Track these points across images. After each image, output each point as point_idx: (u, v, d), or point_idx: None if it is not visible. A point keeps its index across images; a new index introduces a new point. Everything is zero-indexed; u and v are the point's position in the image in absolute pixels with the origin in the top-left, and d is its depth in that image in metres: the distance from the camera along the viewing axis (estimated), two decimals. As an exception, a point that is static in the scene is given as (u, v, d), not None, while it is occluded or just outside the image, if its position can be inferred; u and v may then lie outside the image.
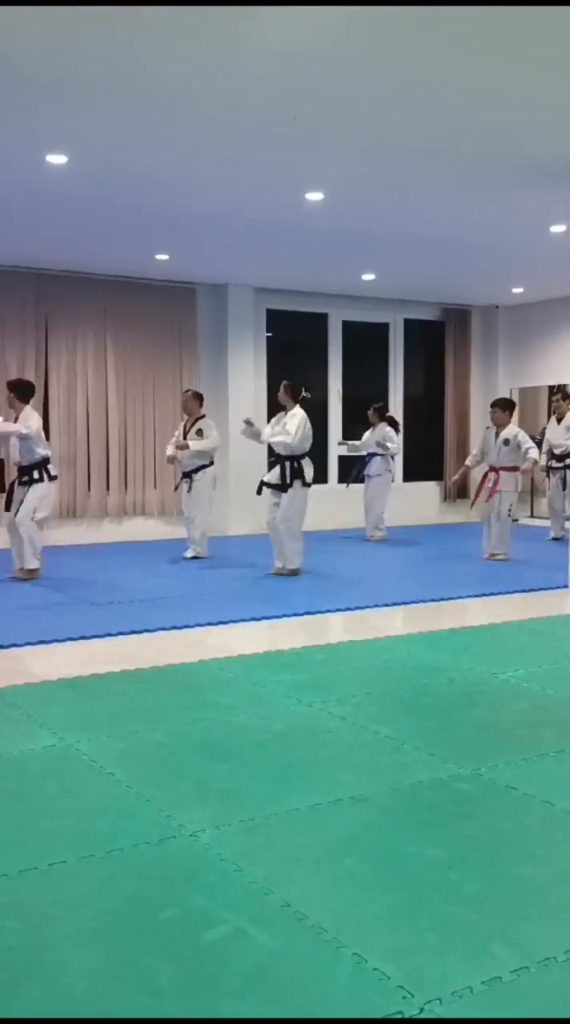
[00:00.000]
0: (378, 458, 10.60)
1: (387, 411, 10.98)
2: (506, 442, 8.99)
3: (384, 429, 10.62)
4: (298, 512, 8.03)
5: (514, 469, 8.95)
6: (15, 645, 5.56)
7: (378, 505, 10.64)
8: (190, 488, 9.09)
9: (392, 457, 10.73)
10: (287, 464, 8.05)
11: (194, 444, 8.94)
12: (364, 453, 10.71)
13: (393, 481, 11.06)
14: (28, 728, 4.01)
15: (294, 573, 8.09)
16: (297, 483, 8.01)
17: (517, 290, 12.12)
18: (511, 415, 9.25)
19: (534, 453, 8.98)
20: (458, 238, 9.09)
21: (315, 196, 7.45)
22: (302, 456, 8.07)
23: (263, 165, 6.62)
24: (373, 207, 7.92)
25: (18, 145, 6.12)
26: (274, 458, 8.27)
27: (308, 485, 8.07)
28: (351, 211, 8.03)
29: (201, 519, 9.09)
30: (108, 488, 10.91)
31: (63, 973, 2.18)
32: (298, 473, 8.03)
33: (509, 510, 8.97)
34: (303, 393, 8.22)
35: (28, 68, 4.86)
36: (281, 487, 8.05)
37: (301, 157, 6.47)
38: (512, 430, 9.07)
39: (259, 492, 8.38)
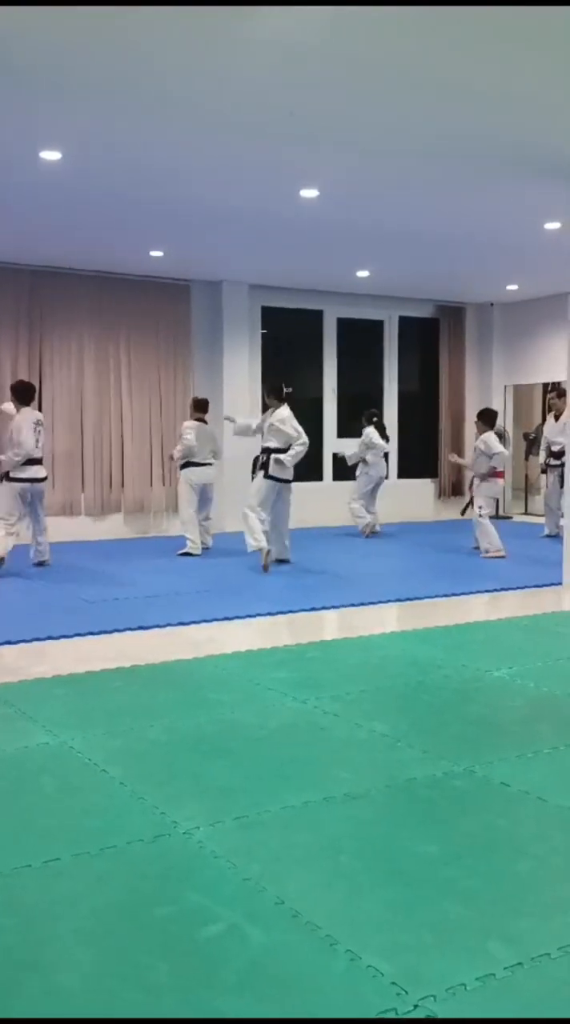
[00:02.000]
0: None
1: (375, 417, 11.03)
2: (476, 449, 9.38)
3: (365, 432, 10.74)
4: (251, 494, 8.43)
5: (485, 476, 9.21)
6: (9, 643, 5.55)
7: (353, 500, 10.78)
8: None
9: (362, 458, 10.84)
10: (261, 456, 8.52)
11: (176, 454, 9.44)
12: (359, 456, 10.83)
13: (386, 478, 11.10)
14: (23, 725, 4.01)
15: (266, 561, 8.22)
16: (259, 474, 8.44)
17: (511, 287, 12.12)
18: (490, 425, 9.47)
19: (496, 460, 9.21)
20: (453, 235, 9.09)
21: (310, 193, 7.45)
22: (281, 452, 8.34)
23: (258, 162, 6.62)
24: (368, 204, 7.91)
25: (12, 141, 6.10)
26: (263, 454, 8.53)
27: (270, 479, 8.37)
28: (346, 208, 8.03)
29: (183, 517, 9.35)
30: (103, 485, 10.89)
31: (59, 970, 2.18)
32: (265, 465, 8.39)
33: (480, 510, 9.15)
34: (285, 389, 8.56)
35: (23, 64, 4.85)
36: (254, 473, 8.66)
37: (296, 154, 6.47)
38: (482, 438, 9.33)
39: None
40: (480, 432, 9.44)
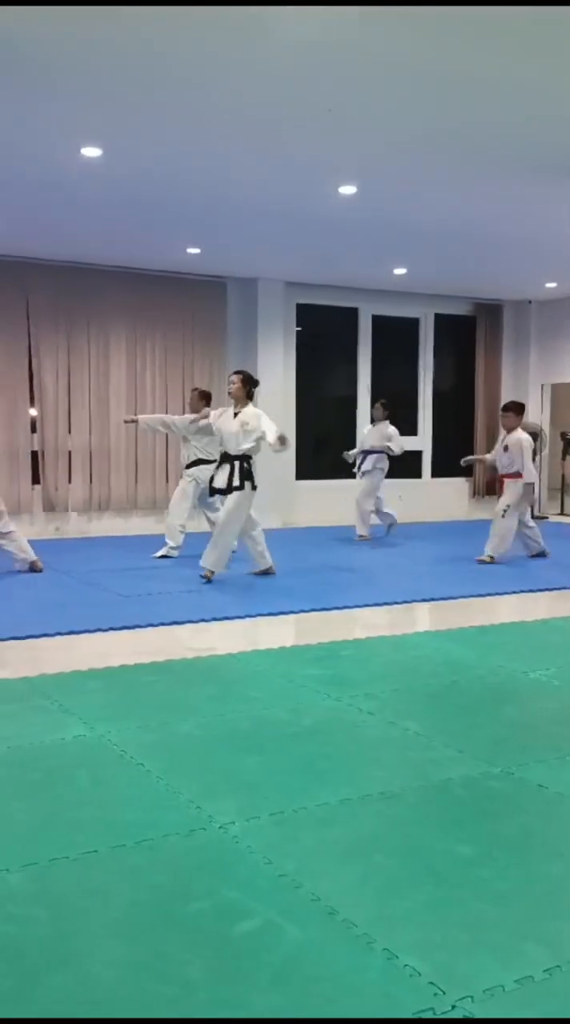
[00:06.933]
0: (372, 455, 10.17)
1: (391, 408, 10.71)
2: (506, 448, 8.67)
3: (388, 428, 10.21)
4: (239, 515, 7.38)
5: (511, 476, 8.58)
6: (46, 635, 5.60)
7: (364, 503, 10.16)
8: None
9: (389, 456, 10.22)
10: (236, 464, 7.36)
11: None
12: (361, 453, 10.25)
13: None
14: (59, 718, 4.04)
15: (209, 578, 7.40)
16: (248, 485, 7.37)
17: (550, 285, 12.00)
18: (520, 419, 8.74)
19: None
20: (491, 232, 9.01)
21: (348, 190, 7.42)
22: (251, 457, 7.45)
23: (297, 158, 6.60)
24: (406, 201, 7.86)
25: (53, 138, 6.14)
26: (222, 459, 7.53)
27: (255, 488, 7.46)
28: (384, 205, 7.99)
29: (176, 519, 8.89)
30: (137, 481, 10.95)
31: (92, 962, 2.19)
32: (249, 474, 7.39)
33: (504, 511, 8.52)
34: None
35: (64, 61, 4.87)
36: (227, 490, 7.39)
37: (335, 151, 6.45)
38: (512, 436, 8.61)
39: (211, 495, 7.88)
40: (510, 426, 8.67)
